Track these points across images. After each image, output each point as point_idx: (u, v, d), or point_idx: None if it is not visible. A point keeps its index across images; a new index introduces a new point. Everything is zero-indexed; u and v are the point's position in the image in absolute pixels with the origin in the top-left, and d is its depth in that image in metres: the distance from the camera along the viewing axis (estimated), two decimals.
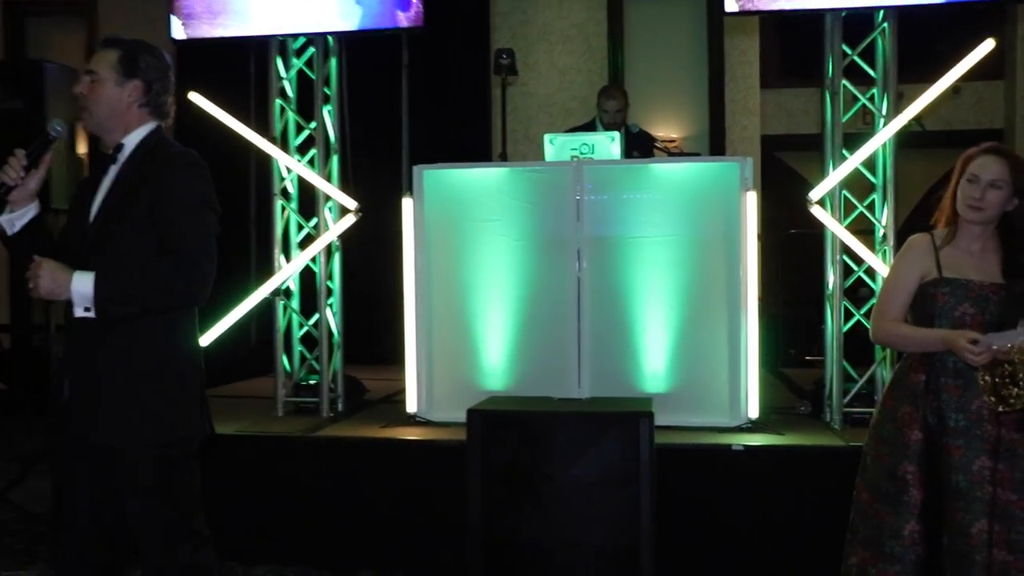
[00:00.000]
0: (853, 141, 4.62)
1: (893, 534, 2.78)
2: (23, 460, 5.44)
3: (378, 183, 6.91)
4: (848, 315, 4.67)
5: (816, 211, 4.50)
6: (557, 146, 4.65)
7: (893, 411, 2.85)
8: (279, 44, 5.03)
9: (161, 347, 2.61)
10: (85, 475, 2.66)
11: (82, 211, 2.61)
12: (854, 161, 4.49)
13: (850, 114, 4.67)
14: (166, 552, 2.65)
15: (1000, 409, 2.63)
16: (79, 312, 2.48)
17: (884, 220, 4.62)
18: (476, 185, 4.64)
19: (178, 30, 4.92)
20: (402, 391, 4.83)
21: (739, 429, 4.35)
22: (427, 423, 4.59)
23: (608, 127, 5.80)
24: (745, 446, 4.10)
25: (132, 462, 2.58)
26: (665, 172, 4.54)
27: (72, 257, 2.53)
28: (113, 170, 2.61)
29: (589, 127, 5.93)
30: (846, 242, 4.54)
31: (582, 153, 4.62)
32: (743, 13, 4.60)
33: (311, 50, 5.03)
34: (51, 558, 4.41)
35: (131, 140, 2.63)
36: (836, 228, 4.53)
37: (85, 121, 2.64)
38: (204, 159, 2.67)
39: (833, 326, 4.62)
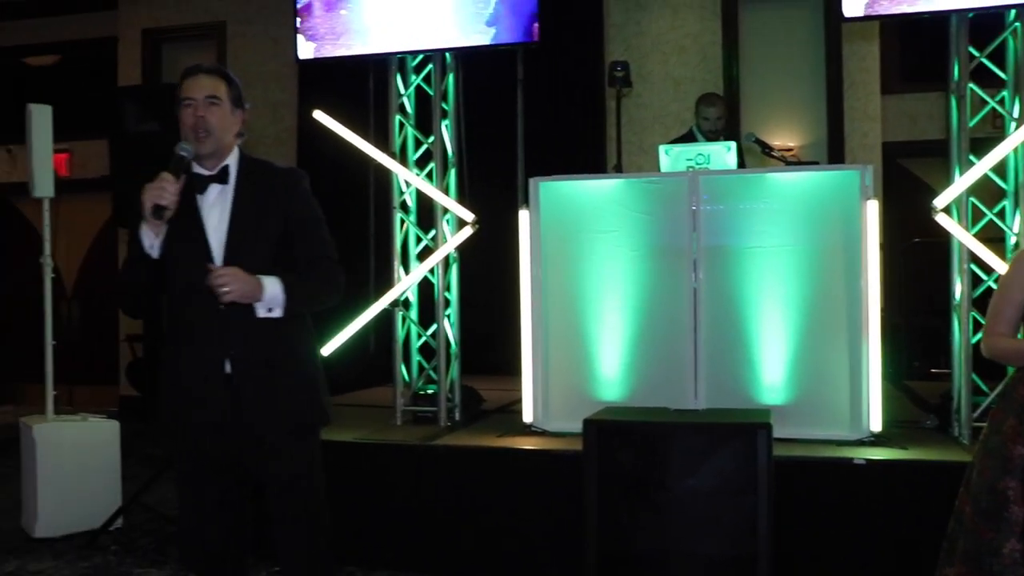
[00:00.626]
0: (981, 146, 4.46)
1: (992, 551, 2.69)
2: (158, 464, 5.68)
3: (493, 196, 7.00)
4: (977, 326, 4.51)
5: (942, 219, 4.37)
6: (673, 157, 4.64)
7: (1000, 424, 2.78)
8: (398, 61, 5.16)
9: (310, 340, 2.90)
10: (215, 492, 2.81)
11: (195, 227, 2.72)
12: (983, 167, 4.34)
13: (978, 118, 4.51)
14: (309, 542, 2.84)
15: None
16: (262, 313, 2.66)
17: (1016, 227, 4.45)
18: (592, 196, 4.66)
19: (304, 50, 5.10)
20: (518, 401, 4.88)
21: (860, 442, 4.24)
22: (543, 433, 4.62)
23: (708, 135, 5.75)
24: (867, 460, 4.01)
25: (291, 449, 2.79)
26: (783, 181, 4.47)
27: (194, 270, 2.64)
28: (227, 190, 2.75)
29: (688, 138, 5.87)
30: (974, 250, 4.39)
31: (697, 163, 4.59)
32: (865, 18, 4.51)
33: (429, 66, 5.15)
34: (181, 559, 4.63)
35: (231, 162, 2.79)
36: (963, 236, 4.38)
37: (202, 143, 2.73)
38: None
39: (961, 337, 4.47)
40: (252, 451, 2.77)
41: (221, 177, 2.75)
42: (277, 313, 2.66)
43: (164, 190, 2.59)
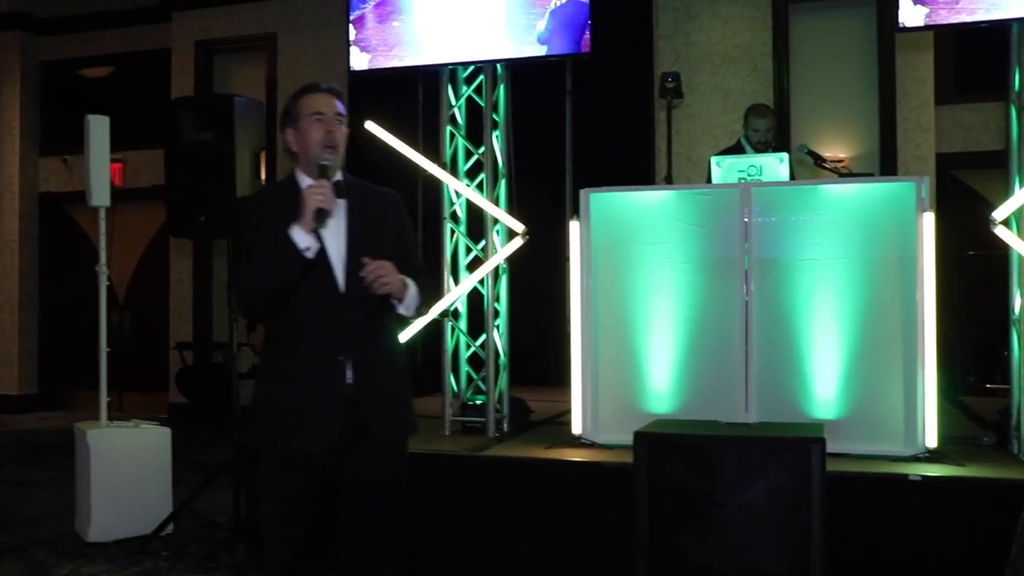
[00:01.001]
0: None
1: None
2: (208, 470, 5.75)
3: (540, 206, 7.02)
4: None
5: (1000, 231, 4.29)
6: (724, 168, 4.61)
7: None
8: (449, 72, 5.19)
9: (404, 349, 3.08)
10: (302, 491, 2.87)
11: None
12: None
13: None
14: (385, 546, 2.93)
15: None
16: (400, 310, 2.84)
17: None
18: (643, 208, 4.64)
19: (357, 61, 5.15)
20: (566, 412, 4.86)
21: (915, 459, 4.17)
22: (592, 445, 4.60)
23: (757, 147, 5.70)
24: (923, 476, 3.93)
25: (400, 455, 2.99)
26: (836, 193, 4.42)
27: (319, 278, 2.77)
28: (343, 205, 2.82)
29: (736, 149, 5.83)
30: None
31: (749, 175, 4.56)
32: (922, 28, 4.45)
33: (480, 77, 5.17)
34: (232, 564, 4.67)
35: (340, 176, 2.89)
36: (1022, 249, 4.30)
37: (334, 162, 2.84)
38: (376, 183, 2.98)
39: (1020, 352, 4.38)
40: (358, 454, 2.84)
41: (335, 191, 2.80)
42: (410, 313, 2.84)
43: (326, 196, 2.68)
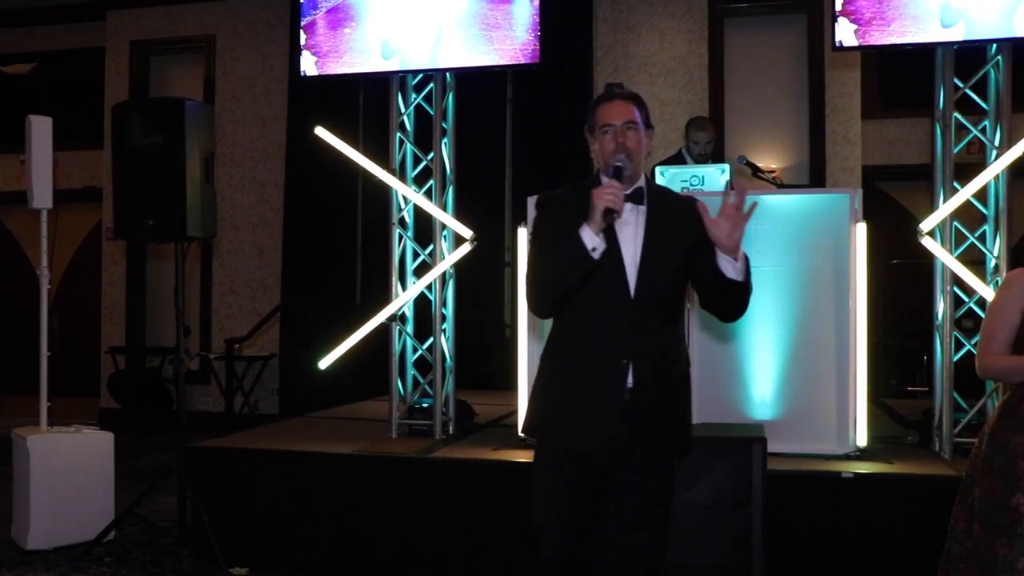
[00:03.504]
0: (961, 172, 4.63)
1: (1007, 568, 2.77)
2: (146, 476, 5.71)
3: (482, 213, 7.10)
4: (959, 345, 4.66)
5: (927, 242, 4.52)
6: (668, 177, 4.75)
7: (1004, 443, 2.85)
8: (399, 80, 5.25)
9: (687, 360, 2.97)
10: (573, 491, 2.84)
11: (609, 240, 2.73)
12: (966, 192, 4.50)
13: (961, 145, 4.68)
14: (645, 558, 2.84)
15: None
16: (730, 271, 2.68)
17: (996, 251, 4.61)
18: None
19: (308, 67, 5.17)
20: (510, 414, 4.95)
21: (847, 457, 4.37)
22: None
23: (697, 159, 5.85)
24: (855, 473, 4.13)
25: (668, 466, 2.88)
26: (775, 204, 4.58)
27: (609, 280, 2.75)
28: (641, 210, 2.82)
29: (677, 159, 5.98)
30: (958, 273, 4.55)
31: (692, 185, 4.71)
32: (855, 48, 4.66)
33: (430, 85, 5.24)
34: (177, 569, 4.66)
35: (643, 184, 2.86)
36: (947, 259, 4.54)
37: (627, 169, 2.77)
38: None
39: (943, 356, 4.61)
40: (630, 459, 2.81)
41: (636, 197, 2.81)
42: (739, 276, 2.69)
43: (616, 196, 2.64)
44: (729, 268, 2.68)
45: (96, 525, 5.05)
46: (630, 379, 2.76)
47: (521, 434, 2.99)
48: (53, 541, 5.03)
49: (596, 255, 2.66)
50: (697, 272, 2.80)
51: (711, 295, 2.86)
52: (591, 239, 2.64)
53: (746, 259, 2.71)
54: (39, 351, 5.37)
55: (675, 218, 2.82)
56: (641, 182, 2.85)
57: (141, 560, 4.84)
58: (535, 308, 2.90)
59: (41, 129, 5.20)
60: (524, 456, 4.55)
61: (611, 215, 2.65)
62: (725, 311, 2.94)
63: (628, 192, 2.77)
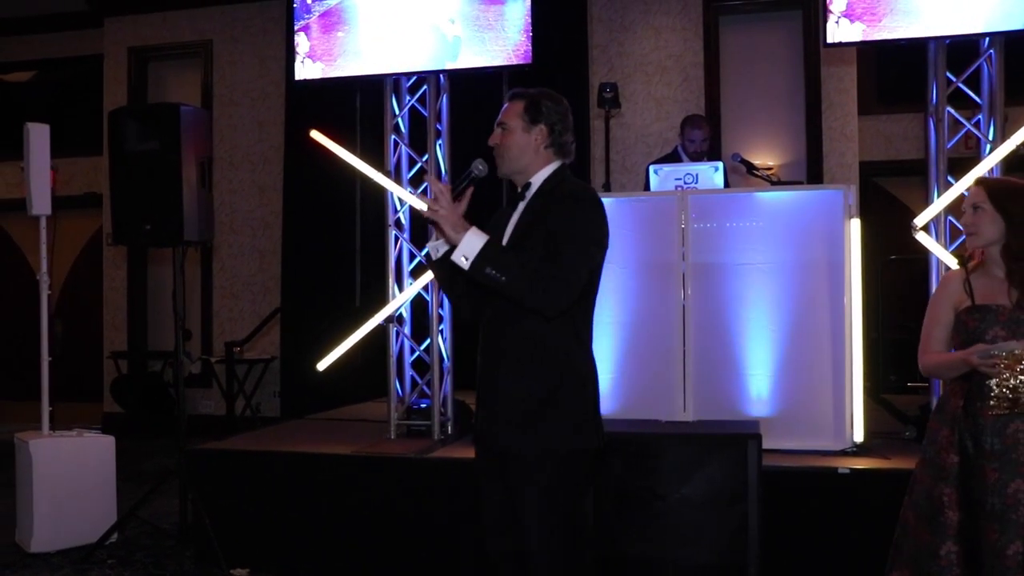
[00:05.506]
0: (955, 166, 4.65)
1: (931, 555, 2.88)
2: (149, 479, 5.74)
3: (478, 215, 7.11)
4: None
5: (921, 237, 4.53)
6: (662, 176, 4.78)
7: (935, 434, 2.98)
8: (393, 82, 5.27)
9: (562, 357, 2.79)
10: (500, 492, 2.86)
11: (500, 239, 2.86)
12: (961, 186, 4.51)
13: (955, 140, 4.69)
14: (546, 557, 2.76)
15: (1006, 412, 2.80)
16: (456, 257, 2.64)
17: None
18: None
19: (302, 71, 5.20)
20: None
21: (844, 453, 4.39)
22: None
23: (692, 156, 5.87)
24: (852, 469, 4.14)
25: (527, 471, 2.73)
26: (769, 200, 4.61)
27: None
28: (521, 206, 2.88)
29: (672, 158, 5.99)
30: (952, 267, 4.55)
31: (686, 183, 4.73)
32: (847, 44, 4.68)
33: (424, 87, 5.26)
34: (180, 571, 4.69)
35: (537, 179, 2.88)
36: (942, 253, 4.55)
37: (500, 167, 2.88)
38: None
39: None
40: (503, 469, 2.81)
41: (523, 194, 2.89)
42: (466, 265, 2.62)
43: (432, 206, 2.67)
44: (456, 256, 2.66)
45: (99, 528, 5.08)
46: (496, 378, 2.81)
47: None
48: (56, 544, 5.06)
49: (434, 255, 2.83)
50: None
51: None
52: (431, 243, 2.81)
53: (479, 250, 2.62)
54: (41, 356, 5.37)
55: (543, 212, 2.78)
56: (535, 177, 2.87)
57: (143, 562, 4.87)
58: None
59: (39, 136, 5.23)
60: None
61: (433, 223, 2.70)
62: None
63: (520, 190, 2.88)
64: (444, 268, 2.81)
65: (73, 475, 5.16)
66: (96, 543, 4.99)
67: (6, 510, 5.50)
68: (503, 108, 2.91)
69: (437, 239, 2.80)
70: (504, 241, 2.84)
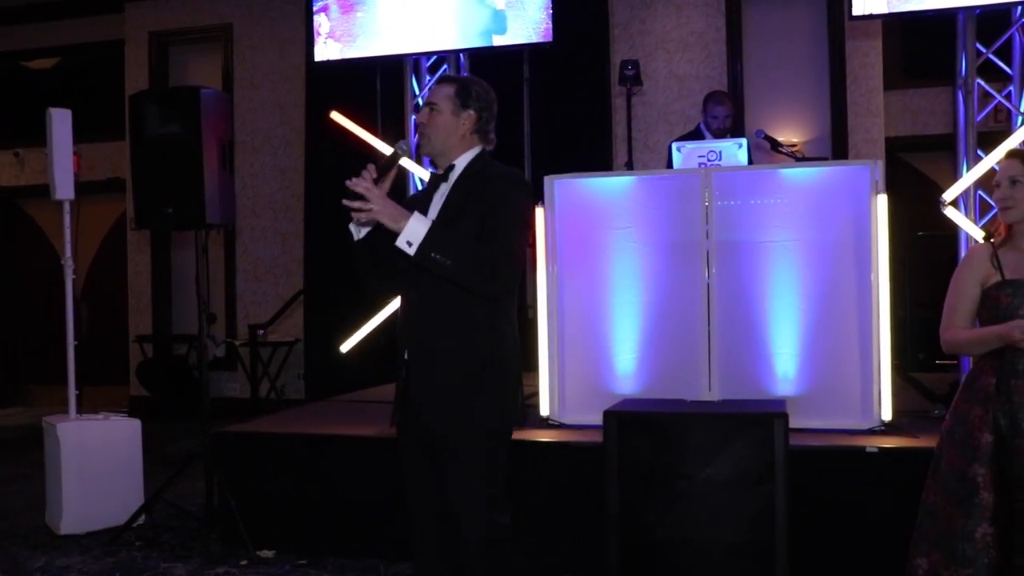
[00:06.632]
0: (985, 140, 4.57)
1: (966, 537, 2.83)
2: (174, 462, 5.77)
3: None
4: None
5: (950, 212, 4.47)
6: (684, 154, 4.72)
7: (965, 414, 2.91)
8: (413, 62, 5.25)
9: (489, 337, 2.85)
10: (425, 470, 2.93)
11: None
12: (991, 160, 4.44)
13: (984, 113, 4.62)
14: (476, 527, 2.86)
15: None
16: (400, 243, 2.66)
17: None
18: (606, 194, 4.74)
19: (322, 51, 5.18)
20: (533, 395, 4.94)
21: (872, 431, 4.33)
22: (559, 426, 4.70)
23: (715, 133, 5.81)
24: (879, 448, 4.10)
25: (455, 448, 2.83)
26: (794, 177, 4.55)
27: (404, 262, 2.80)
28: (445, 188, 2.91)
29: (695, 135, 5.94)
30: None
31: (709, 160, 4.68)
32: (873, 17, 4.60)
33: (444, 67, 5.23)
34: (206, 552, 4.72)
35: (461, 162, 2.92)
36: (972, 229, 4.49)
37: (423, 146, 2.94)
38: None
39: None
40: (427, 447, 2.88)
41: (446, 176, 2.91)
42: (411, 251, 2.66)
43: (362, 180, 2.71)
44: (400, 242, 2.68)
45: (126, 510, 5.13)
46: (406, 354, 2.87)
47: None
48: (85, 526, 5.12)
49: (358, 236, 2.85)
50: None
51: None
52: (352, 225, 2.82)
53: (423, 237, 2.66)
54: (67, 340, 5.41)
55: (473, 195, 2.84)
56: (459, 160, 2.91)
57: (171, 543, 4.91)
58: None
59: (62, 122, 5.25)
60: (547, 435, 4.57)
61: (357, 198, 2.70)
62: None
63: (441, 172, 2.92)
64: (366, 250, 2.86)
65: (100, 458, 5.21)
66: (124, 525, 5.03)
67: (37, 493, 5.56)
68: (432, 89, 2.98)
69: (358, 221, 2.80)
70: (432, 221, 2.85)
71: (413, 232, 2.64)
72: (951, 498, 2.90)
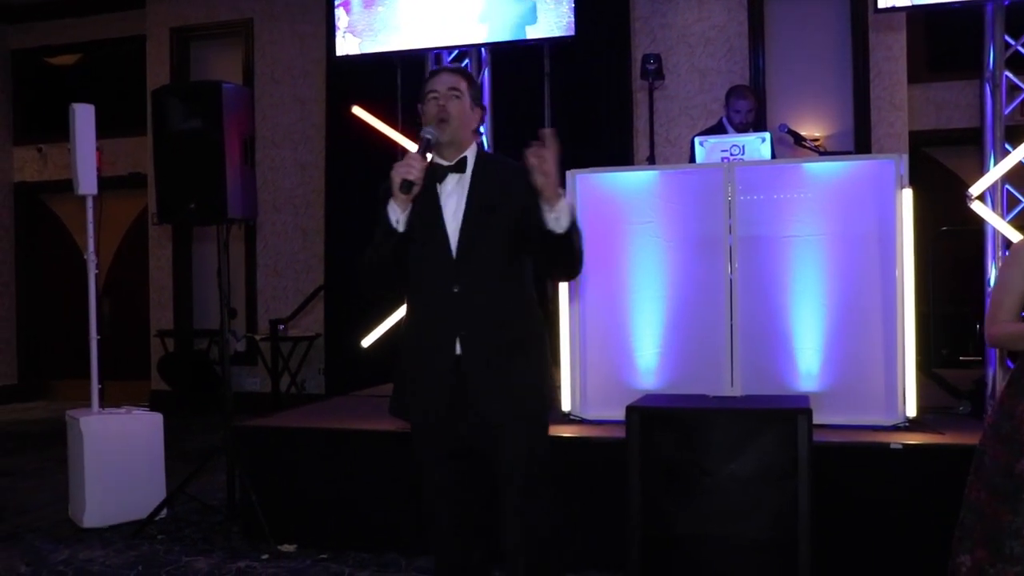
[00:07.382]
0: (1013, 133, 4.51)
1: (1013, 534, 2.76)
2: (196, 456, 5.79)
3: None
4: None
5: (977, 206, 4.42)
6: (707, 148, 4.69)
7: (1012, 409, 2.85)
8: (434, 57, 5.24)
9: (536, 323, 2.99)
10: (455, 473, 2.98)
11: (434, 213, 2.89)
12: (1018, 154, 4.39)
13: (1012, 106, 4.56)
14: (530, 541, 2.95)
15: None
16: (550, 218, 2.68)
17: None
18: (629, 188, 4.72)
19: (342, 46, 5.18)
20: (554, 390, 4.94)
21: (896, 428, 4.29)
22: (581, 421, 4.69)
23: (738, 127, 5.77)
24: (904, 445, 4.06)
25: (518, 434, 2.90)
26: (817, 171, 4.51)
27: (434, 251, 2.84)
28: (460, 179, 2.90)
29: (717, 129, 5.90)
30: (1010, 238, 4.43)
31: (732, 155, 4.65)
32: (899, 9, 4.55)
33: (465, 62, 5.22)
34: (228, 546, 4.73)
35: (470, 155, 2.94)
36: (999, 223, 4.43)
37: (443, 132, 2.87)
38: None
39: None
40: (482, 436, 2.91)
41: (459, 167, 2.90)
42: (561, 226, 2.68)
43: (411, 166, 2.72)
44: (550, 218, 2.68)
45: (148, 504, 5.14)
46: (457, 348, 2.85)
47: (390, 413, 3.12)
48: (108, 519, 5.14)
49: (399, 227, 2.78)
50: (526, 235, 2.82)
51: (539, 255, 2.88)
52: (394, 212, 2.76)
53: (570, 210, 2.70)
54: (89, 335, 5.43)
55: (500, 185, 2.88)
56: (468, 152, 2.92)
57: (193, 537, 4.92)
58: (362, 283, 3.02)
59: (84, 117, 5.27)
60: (569, 431, 4.54)
61: (408, 186, 2.70)
62: (557, 270, 2.99)
63: (451, 164, 2.88)
64: (397, 244, 2.83)
65: (123, 452, 5.23)
66: (146, 519, 5.05)
67: (60, 486, 5.59)
68: (446, 77, 2.95)
69: (403, 211, 2.79)
70: (462, 211, 2.87)
71: (565, 208, 2.68)
72: (997, 494, 2.82)
